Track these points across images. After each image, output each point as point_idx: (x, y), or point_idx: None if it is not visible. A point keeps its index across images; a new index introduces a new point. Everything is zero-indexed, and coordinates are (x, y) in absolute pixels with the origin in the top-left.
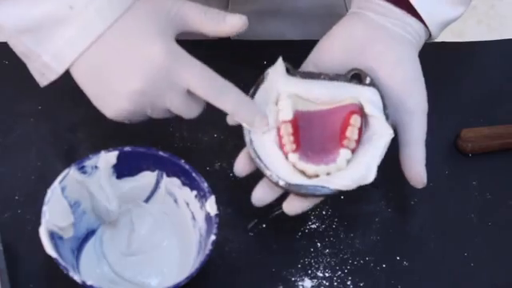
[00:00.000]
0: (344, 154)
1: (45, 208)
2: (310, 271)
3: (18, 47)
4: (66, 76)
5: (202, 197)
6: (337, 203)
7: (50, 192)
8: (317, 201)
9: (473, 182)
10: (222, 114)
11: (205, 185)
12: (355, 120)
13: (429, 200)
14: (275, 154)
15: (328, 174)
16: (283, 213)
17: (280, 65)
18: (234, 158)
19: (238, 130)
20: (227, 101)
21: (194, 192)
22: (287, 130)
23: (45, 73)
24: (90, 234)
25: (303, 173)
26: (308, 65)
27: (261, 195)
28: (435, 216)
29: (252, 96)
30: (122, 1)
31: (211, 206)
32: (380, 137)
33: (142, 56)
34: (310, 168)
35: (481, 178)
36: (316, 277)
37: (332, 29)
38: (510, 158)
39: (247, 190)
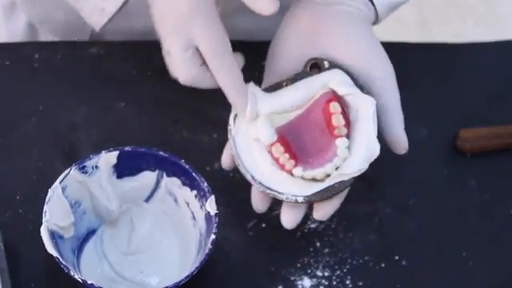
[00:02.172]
0: (341, 143)
1: (45, 207)
2: (309, 270)
3: None
4: (64, 75)
5: (201, 196)
6: None
7: (50, 192)
8: (344, 195)
9: (471, 182)
10: (221, 115)
11: (205, 184)
12: (334, 107)
13: (427, 200)
14: (279, 177)
15: (337, 168)
16: None
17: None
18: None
19: None
20: (223, 78)
21: (194, 192)
22: (279, 151)
23: (105, 7)
24: (91, 233)
25: (314, 179)
26: (268, 74)
27: (291, 218)
28: (434, 216)
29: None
30: None
31: (211, 205)
32: (365, 110)
33: None
34: (319, 172)
35: (479, 177)
36: (315, 276)
37: (278, 29)
38: (509, 158)
39: (247, 189)
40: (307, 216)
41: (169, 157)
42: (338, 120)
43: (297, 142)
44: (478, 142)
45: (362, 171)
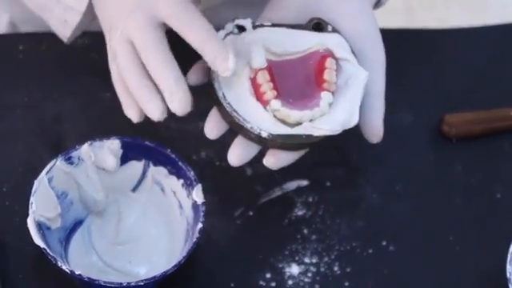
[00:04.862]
0: (326, 97)
1: (32, 199)
2: (297, 257)
3: (34, 0)
4: (50, 66)
5: (188, 185)
6: (323, 190)
7: (36, 183)
8: (301, 153)
9: (457, 167)
10: (208, 103)
11: (191, 173)
12: (331, 63)
13: (414, 185)
14: (252, 106)
15: (311, 120)
16: (270, 200)
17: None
18: (220, 147)
19: None
20: (194, 33)
21: (181, 181)
22: (265, 77)
23: (67, 19)
24: (78, 224)
25: (284, 122)
26: (262, 20)
27: (239, 153)
28: (420, 201)
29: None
30: None
31: (198, 194)
32: (355, 79)
33: None
34: (295, 114)
35: (465, 162)
36: (303, 263)
37: None
38: (494, 143)
39: (234, 178)
40: (294, 204)
41: (155, 146)
42: (330, 75)
43: (281, 80)
44: (464, 126)
45: (334, 133)
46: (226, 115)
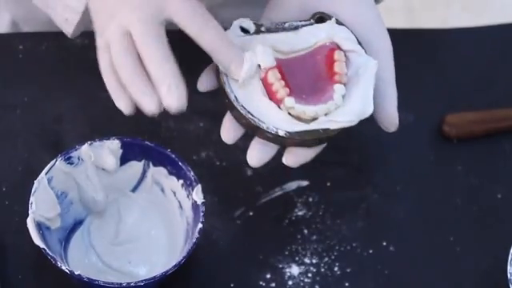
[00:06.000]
0: (339, 89)
1: (31, 199)
2: (297, 258)
3: None
4: (49, 66)
5: (188, 185)
6: (323, 190)
7: (36, 183)
8: (319, 149)
9: (458, 168)
10: (207, 103)
11: (191, 173)
12: (340, 55)
13: (414, 185)
14: (266, 106)
15: (326, 114)
16: (270, 200)
17: (247, 25)
18: (220, 147)
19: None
20: (206, 38)
21: (181, 181)
22: (276, 76)
23: (67, 17)
24: (78, 224)
25: (299, 119)
26: (264, 22)
27: (257, 154)
28: (421, 201)
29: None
30: None
31: (198, 194)
32: (365, 69)
33: None
34: (310, 109)
35: (466, 163)
36: (303, 263)
37: None
38: (495, 143)
39: (234, 178)
40: (294, 204)
41: (155, 146)
42: (341, 67)
43: (292, 78)
44: (465, 127)
45: (351, 124)
46: (241, 118)
